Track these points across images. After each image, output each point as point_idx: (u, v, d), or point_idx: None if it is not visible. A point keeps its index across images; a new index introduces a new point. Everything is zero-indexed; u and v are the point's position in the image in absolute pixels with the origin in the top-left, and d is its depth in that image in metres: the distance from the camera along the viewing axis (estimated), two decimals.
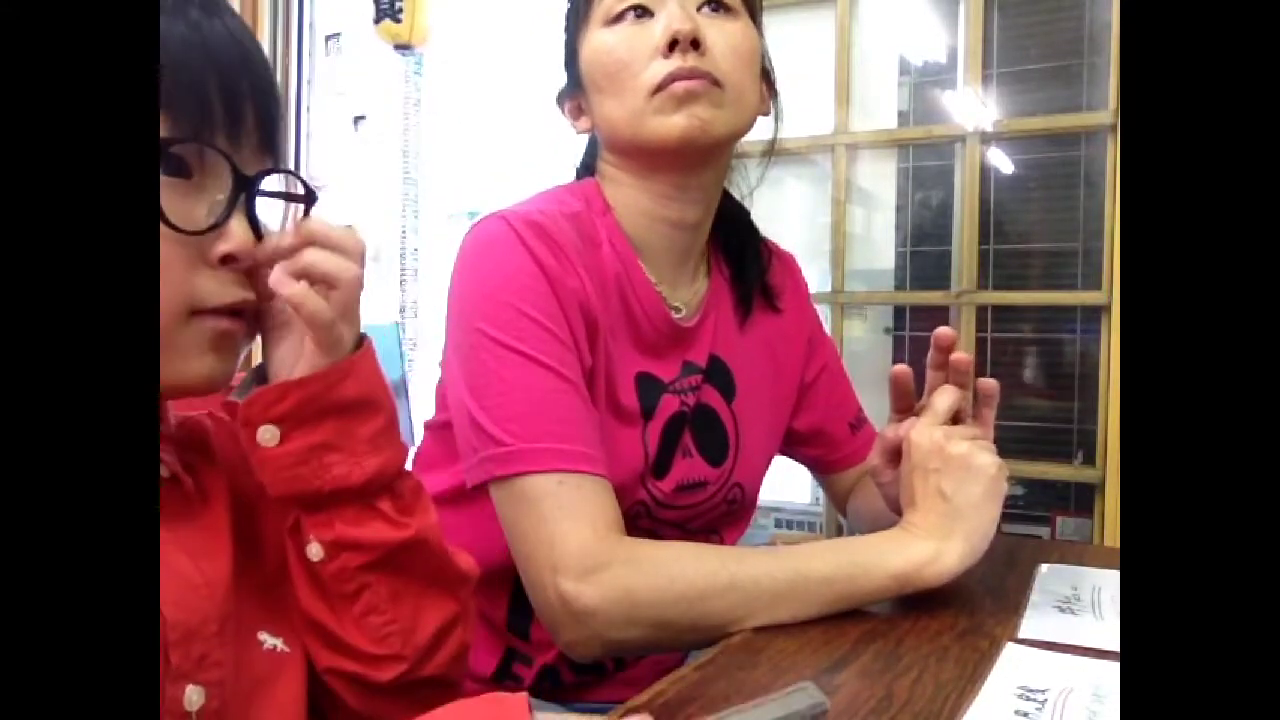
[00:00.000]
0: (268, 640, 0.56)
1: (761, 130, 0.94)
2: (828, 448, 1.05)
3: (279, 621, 0.58)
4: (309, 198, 0.56)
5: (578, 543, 0.72)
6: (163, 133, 0.47)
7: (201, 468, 0.56)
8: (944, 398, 0.80)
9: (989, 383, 0.81)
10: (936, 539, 0.75)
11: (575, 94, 0.91)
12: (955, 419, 0.80)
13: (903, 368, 0.83)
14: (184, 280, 0.50)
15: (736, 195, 1.00)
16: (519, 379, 0.76)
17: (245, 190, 0.51)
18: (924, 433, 0.78)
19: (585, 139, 0.97)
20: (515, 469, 0.74)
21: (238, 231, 0.51)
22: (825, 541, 0.81)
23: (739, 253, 0.98)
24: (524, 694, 0.46)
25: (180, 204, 0.49)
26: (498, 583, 0.86)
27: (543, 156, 1.05)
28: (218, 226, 0.50)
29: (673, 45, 0.81)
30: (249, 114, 0.52)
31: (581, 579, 0.71)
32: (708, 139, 0.83)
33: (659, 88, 0.81)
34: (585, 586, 0.70)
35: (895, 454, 0.83)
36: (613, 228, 0.87)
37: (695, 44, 0.81)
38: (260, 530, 0.59)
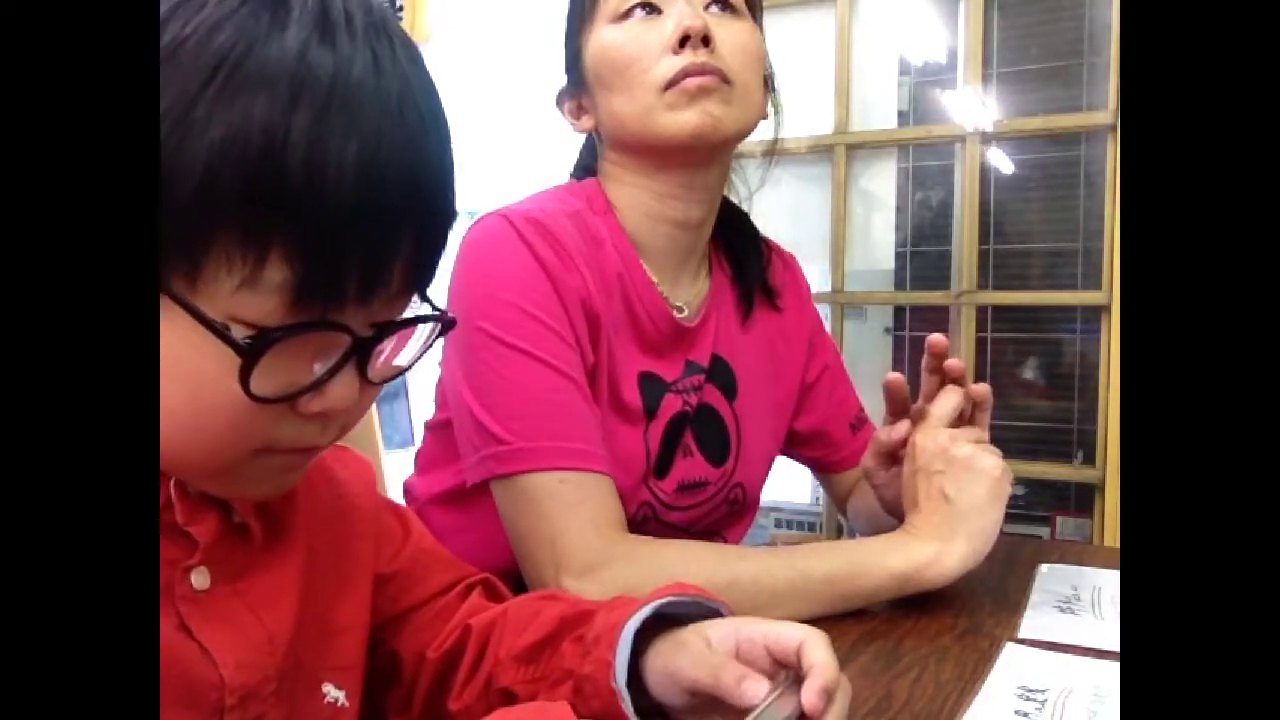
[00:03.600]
0: (331, 692, 0.54)
1: (761, 132, 0.94)
2: (828, 448, 1.05)
3: (343, 672, 0.55)
4: (445, 324, 0.47)
5: (580, 540, 0.72)
6: (274, 289, 0.39)
7: (278, 512, 0.52)
8: (947, 400, 0.80)
9: (981, 388, 0.81)
10: (938, 540, 0.75)
11: (577, 93, 0.90)
12: (958, 420, 0.81)
13: (896, 376, 0.83)
14: (263, 429, 0.43)
15: (735, 199, 1.01)
16: (520, 377, 0.76)
17: (360, 351, 0.43)
18: (928, 435, 0.78)
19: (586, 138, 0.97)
20: (517, 467, 0.74)
21: (339, 391, 0.43)
22: (827, 542, 0.81)
23: (740, 252, 0.98)
24: (565, 704, 0.46)
25: (275, 363, 0.40)
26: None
27: (544, 156, 1.05)
28: (317, 387, 0.42)
29: (683, 42, 0.81)
30: (397, 269, 0.42)
31: (583, 576, 0.71)
32: (718, 135, 0.83)
33: (671, 83, 0.81)
34: (587, 584, 0.70)
35: (889, 456, 0.83)
36: (614, 227, 0.87)
37: (706, 41, 0.82)
38: (338, 579, 0.56)
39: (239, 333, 0.39)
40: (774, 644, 0.50)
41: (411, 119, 0.41)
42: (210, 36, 0.38)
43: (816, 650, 0.48)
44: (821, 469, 1.07)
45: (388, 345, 0.45)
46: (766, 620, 0.53)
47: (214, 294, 0.39)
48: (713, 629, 0.52)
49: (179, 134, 0.37)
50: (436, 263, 0.45)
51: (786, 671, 0.49)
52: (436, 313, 0.46)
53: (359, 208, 0.39)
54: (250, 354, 0.39)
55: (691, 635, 0.53)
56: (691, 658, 0.51)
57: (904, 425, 0.81)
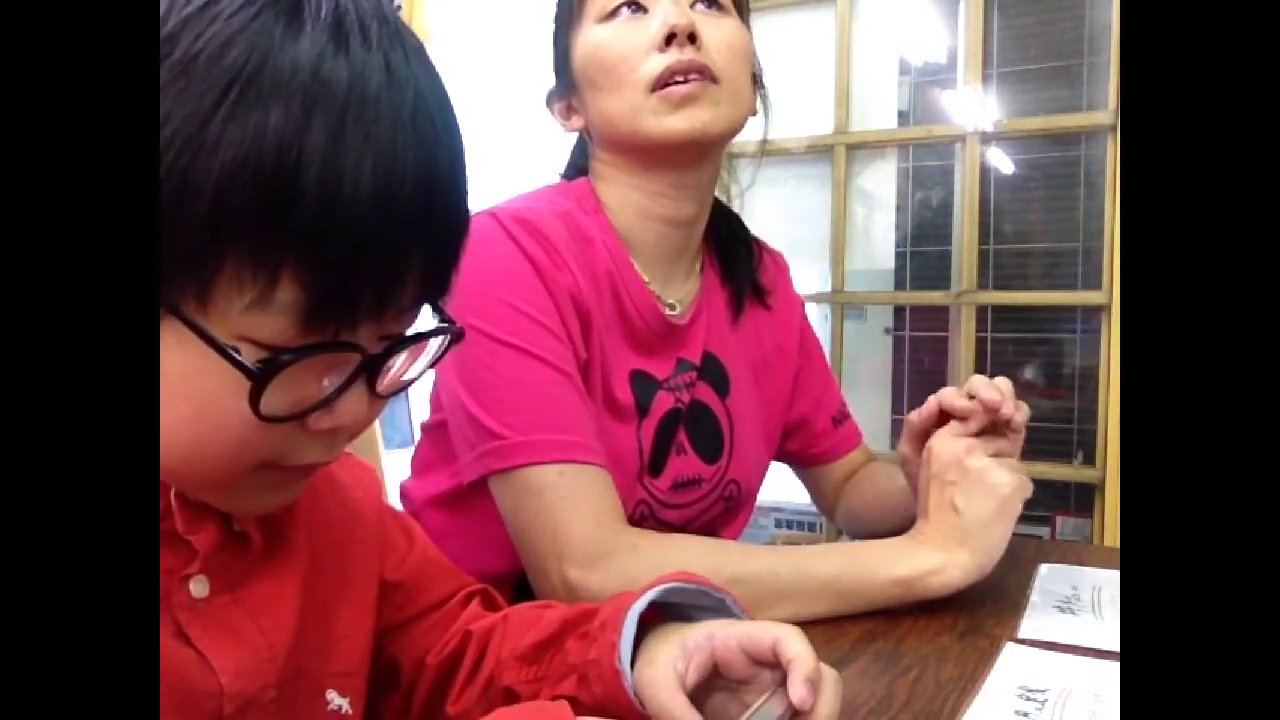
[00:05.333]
0: (334, 700, 0.53)
1: (752, 132, 0.94)
2: (811, 440, 1.05)
3: (346, 678, 0.54)
4: (454, 335, 0.47)
5: (581, 531, 0.72)
6: (286, 309, 0.38)
7: (279, 519, 0.51)
8: (955, 399, 0.79)
9: (1018, 419, 0.78)
10: (943, 551, 0.75)
11: (566, 93, 0.91)
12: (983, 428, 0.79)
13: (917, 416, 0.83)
14: (269, 445, 0.42)
15: (725, 197, 1.01)
16: (514, 373, 0.76)
17: (370, 368, 0.42)
18: (945, 443, 0.78)
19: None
20: (515, 461, 0.74)
21: (348, 408, 0.42)
22: (832, 544, 0.81)
23: (731, 251, 0.99)
24: (564, 703, 0.46)
25: (285, 382, 0.39)
26: (497, 588, 0.86)
27: (544, 156, 1.05)
28: (326, 405, 0.42)
29: (669, 40, 0.81)
30: (410, 284, 0.42)
31: (587, 566, 0.71)
32: (707, 138, 0.84)
33: (658, 82, 0.81)
34: (590, 574, 0.71)
35: (923, 438, 0.82)
36: (604, 226, 0.87)
37: (692, 38, 0.82)
38: (340, 585, 0.55)
39: (249, 352, 0.38)
40: (748, 644, 0.50)
41: (425, 130, 0.40)
42: (223, 52, 0.37)
43: (792, 644, 0.48)
44: (805, 463, 1.07)
45: (398, 359, 0.45)
46: (740, 622, 0.53)
47: (224, 314, 0.38)
48: (690, 633, 0.52)
49: (191, 152, 0.36)
50: (450, 275, 0.44)
51: (773, 673, 0.49)
52: (446, 325, 0.46)
53: (373, 226, 0.38)
54: (260, 378, 0.39)
55: (664, 647, 0.52)
56: (652, 672, 0.51)
57: (934, 405, 0.81)
